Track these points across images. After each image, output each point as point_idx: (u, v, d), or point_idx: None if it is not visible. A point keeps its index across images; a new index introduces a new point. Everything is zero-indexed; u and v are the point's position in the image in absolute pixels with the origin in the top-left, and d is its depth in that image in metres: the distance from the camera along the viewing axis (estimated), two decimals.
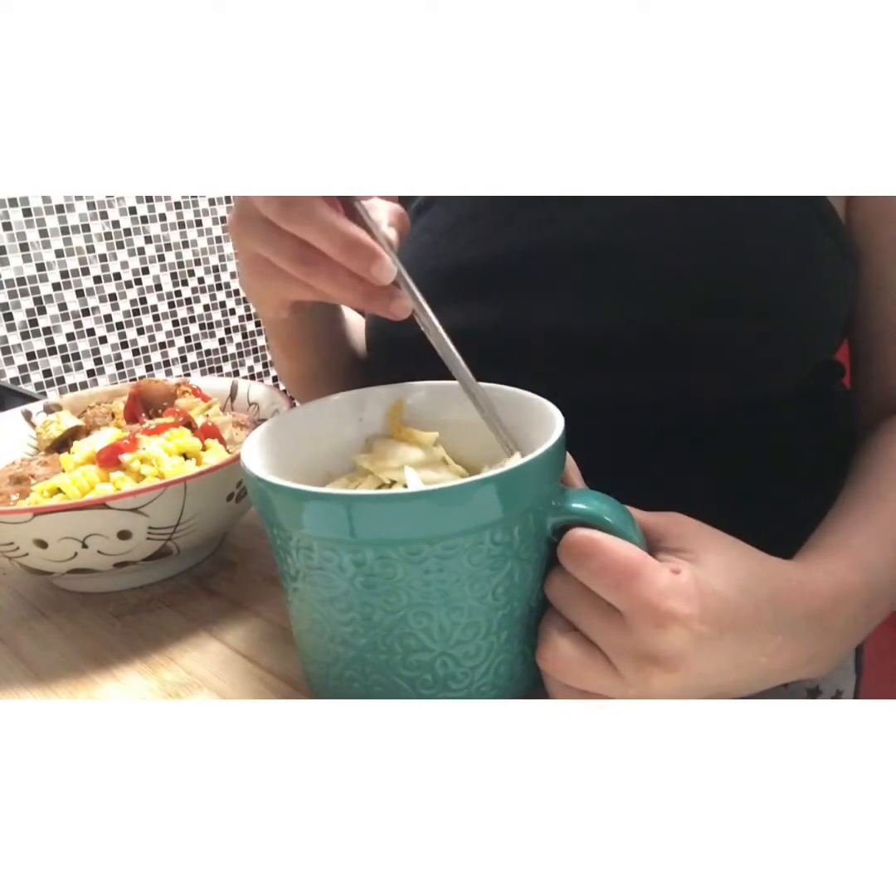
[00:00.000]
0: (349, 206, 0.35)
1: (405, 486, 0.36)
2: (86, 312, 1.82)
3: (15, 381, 1.72)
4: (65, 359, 1.81)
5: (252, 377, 2.21)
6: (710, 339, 0.44)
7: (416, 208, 0.54)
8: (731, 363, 0.44)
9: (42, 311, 1.75)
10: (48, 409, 0.59)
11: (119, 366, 1.91)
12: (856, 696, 0.60)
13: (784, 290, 0.44)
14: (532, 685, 0.35)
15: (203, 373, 2.09)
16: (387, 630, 0.31)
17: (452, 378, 0.41)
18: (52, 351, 1.79)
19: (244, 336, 2.17)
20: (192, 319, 2.04)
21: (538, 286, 0.47)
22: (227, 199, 2.04)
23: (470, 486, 0.29)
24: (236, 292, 2.11)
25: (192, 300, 2.03)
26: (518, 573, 0.32)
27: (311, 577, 0.32)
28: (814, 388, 0.49)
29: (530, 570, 0.32)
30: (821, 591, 0.35)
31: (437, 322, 0.36)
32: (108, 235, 1.82)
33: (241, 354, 2.18)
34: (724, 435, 0.47)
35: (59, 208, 1.73)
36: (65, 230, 1.75)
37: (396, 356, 0.52)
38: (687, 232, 0.44)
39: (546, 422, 0.35)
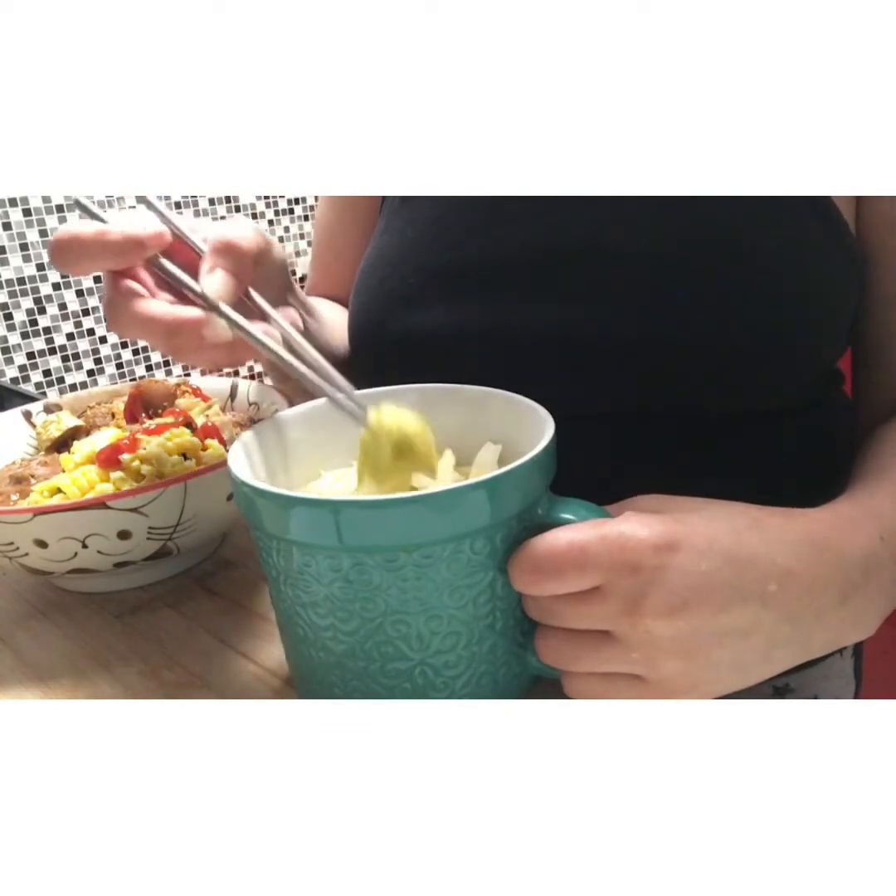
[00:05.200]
0: (158, 266, 0.36)
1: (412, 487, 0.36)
2: (86, 312, 1.82)
3: (15, 381, 1.72)
4: (65, 359, 1.81)
5: (252, 377, 2.21)
6: (707, 347, 0.43)
7: (402, 198, 0.53)
8: (729, 372, 0.43)
9: (42, 311, 1.75)
10: (48, 409, 0.59)
11: (119, 366, 1.91)
12: None
13: (787, 295, 0.42)
14: (517, 696, 0.35)
15: (203, 373, 2.09)
16: (364, 637, 0.31)
17: (444, 380, 0.40)
18: (52, 351, 1.79)
19: None
20: None
21: (528, 288, 0.46)
22: (228, 198, 2.03)
23: (460, 490, 0.29)
24: None
25: None
26: (500, 583, 0.31)
27: (292, 579, 0.31)
28: (815, 397, 0.48)
29: None
30: (819, 517, 0.33)
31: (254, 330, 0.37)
32: None
33: None
34: (722, 445, 0.46)
35: (59, 208, 1.73)
36: None
37: (381, 357, 0.51)
38: (684, 236, 0.43)
39: (536, 425, 0.34)
